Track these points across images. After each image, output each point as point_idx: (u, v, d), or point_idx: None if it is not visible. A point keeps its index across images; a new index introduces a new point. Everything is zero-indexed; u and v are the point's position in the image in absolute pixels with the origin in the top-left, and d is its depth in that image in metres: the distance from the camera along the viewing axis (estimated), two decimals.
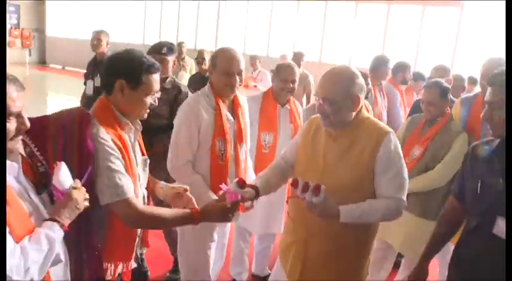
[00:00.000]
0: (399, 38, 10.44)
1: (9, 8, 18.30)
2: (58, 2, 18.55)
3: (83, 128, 1.58)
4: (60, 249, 1.39)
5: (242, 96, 2.63)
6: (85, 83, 4.66)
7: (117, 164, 1.61)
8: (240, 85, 2.42)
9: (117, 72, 1.69)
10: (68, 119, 1.60)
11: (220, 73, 2.36)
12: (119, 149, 1.64)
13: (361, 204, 1.83)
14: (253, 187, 1.94)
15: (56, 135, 1.57)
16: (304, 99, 6.22)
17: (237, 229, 3.25)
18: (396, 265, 3.21)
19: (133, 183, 1.69)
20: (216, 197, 2.10)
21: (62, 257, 1.42)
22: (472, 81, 5.48)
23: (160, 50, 3.00)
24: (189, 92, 3.13)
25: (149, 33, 15.52)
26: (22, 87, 1.33)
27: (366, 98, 3.77)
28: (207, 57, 5.20)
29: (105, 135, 1.61)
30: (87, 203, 1.49)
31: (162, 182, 2.03)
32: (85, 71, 4.71)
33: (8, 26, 18.34)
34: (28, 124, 1.34)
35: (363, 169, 1.86)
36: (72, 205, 1.43)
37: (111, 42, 4.73)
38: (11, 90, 1.28)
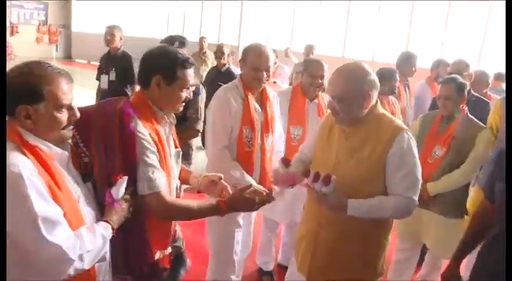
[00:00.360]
0: (424, 33, 10.23)
1: (38, 6, 18.72)
2: None
3: (124, 121, 1.64)
4: (107, 249, 1.49)
5: (271, 90, 2.72)
6: (97, 78, 4.74)
7: (152, 158, 1.67)
8: (267, 80, 2.51)
9: (154, 69, 1.75)
10: (111, 112, 1.66)
11: (249, 68, 2.48)
12: (155, 142, 1.70)
13: (370, 200, 1.83)
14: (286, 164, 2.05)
15: (98, 128, 1.64)
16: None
17: (264, 220, 3.34)
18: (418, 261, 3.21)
19: (167, 175, 1.75)
20: (255, 182, 2.25)
21: (107, 256, 1.52)
22: (499, 77, 5.34)
23: (171, 44, 3.00)
24: (201, 86, 3.19)
25: (173, 28, 15.63)
26: (71, 80, 1.43)
27: (394, 93, 3.79)
28: (226, 52, 5.24)
29: (143, 129, 1.67)
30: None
31: (196, 172, 2.10)
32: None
33: (36, 23, 18.78)
34: (78, 115, 1.45)
35: (374, 166, 1.85)
36: (122, 214, 1.59)
37: (135, 38, 4.83)
38: (63, 83, 1.39)
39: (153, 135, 1.71)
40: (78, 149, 1.60)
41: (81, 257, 1.35)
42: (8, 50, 17.68)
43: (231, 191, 1.95)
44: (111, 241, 1.55)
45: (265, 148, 2.56)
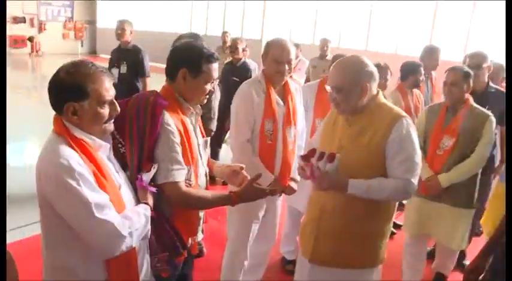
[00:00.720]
0: (448, 27, 10.07)
1: (65, 3, 19.10)
2: None
3: (156, 114, 1.74)
4: (149, 227, 1.61)
5: (293, 83, 2.77)
6: (110, 72, 4.81)
7: (175, 150, 1.76)
8: (289, 73, 2.57)
9: (180, 62, 1.85)
10: (143, 105, 1.77)
11: (271, 61, 2.53)
12: (180, 133, 1.79)
13: (370, 180, 1.90)
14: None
15: (132, 119, 1.75)
16: None
17: (288, 209, 3.40)
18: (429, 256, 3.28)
19: (195, 163, 1.87)
20: (273, 176, 2.43)
21: (149, 234, 1.63)
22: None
23: None
24: (216, 85, 3.20)
25: (196, 23, 15.75)
26: (112, 78, 1.55)
27: (418, 86, 3.87)
28: (241, 47, 5.26)
29: (170, 120, 1.76)
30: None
31: (219, 162, 2.16)
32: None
33: (62, 19, 19.16)
34: (119, 110, 1.56)
35: (374, 151, 1.93)
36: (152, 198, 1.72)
37: (159, 33, 4.91)
38: (106, 81, 1.50)
39: (179, 126, 1.80)
40: (115, 141, 1.72)
41: (131, 234, 1.47)
42: (36, 47, 18.13)
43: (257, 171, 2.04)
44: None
45: (287, 140, 2.60)
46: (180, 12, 16.31)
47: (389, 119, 1.95)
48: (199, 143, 1.97)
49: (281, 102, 2.60)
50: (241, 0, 14.34)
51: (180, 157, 1.78)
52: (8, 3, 17.04)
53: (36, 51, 18.15)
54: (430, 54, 4.43)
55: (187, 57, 1.85)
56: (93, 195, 1.40)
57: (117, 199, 1.51)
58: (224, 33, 7.94)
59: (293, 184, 2.64)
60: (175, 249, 1.82)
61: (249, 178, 2.00)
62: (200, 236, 2.05)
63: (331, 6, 12.23)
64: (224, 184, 4.36)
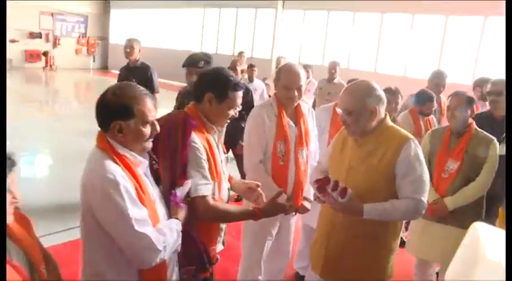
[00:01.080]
0: (457, 49, 10.16)
1: (79, 19, 19.51)
2: (121, 11, 19.60)
3: (186, 133, 1.89)
4: (180, 242, 1.73)
5: (306, 105, 2.87)
6: None
7: (202, 166, 1.90)
8: (299, 99, 2.67)
9: (208, 86, 1.99)
10: (174, 124, 1.92)
11: (281, 87, 2.63)
12: (206, 151, 1.93)
13: (383, 203, 1.98)
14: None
15: (164, 138, 1.87)
16: None
17: (303, 226, 3.51)
18: None
19: (219, 178, 2.00)
20: (286, 196, 2.52)
21: (179, 247, 1.76)
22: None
23: (197, 63, 3.11)
24: None
25: (207, 41, 15.97)
26: (155, 100, 1.69)
27: (429, 115, 4.06)
28: (239, 68, 5.37)
29: (197, 139, 1.91)
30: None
31: (237, 179, 2.34)
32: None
33: (76, 35, 19.54)
34: (158, 129, 1.69)
35: (383, 172, 2.03)
36: (184, 213, 1.83)
37: (170, 50, 5.00)
38: (149, 103, 1.64)
39: (205, 144, 1.94)
40: (150, 157, 1.83)
41: (164, 249, 1.60)
42: (50, 61, 18.45)
43: (265, 199, 2.15)
44: None
45: (299, 162, 2.69)
46: (191, 30, 16.57)
47: (397, 140, 2.05)
48: (222, 159, 2.10)
49: (293, 125, 2.68)
50: (252, 20, 14.55)
51: (206, 173, 1.91)
52: (25, 19, 17.51)
53: (50, 66, 18.47)
54: (437, 78, 4.62)
55: (214, 83, 1.99)
56: (135, 209, 1.52)
57: (153, 213, 1.63)
58: (240, 53, 8.22)
59: (306, 204, 2.71)
60: (202, 264, 1.93)
61: (263, 195, 2.13)
62: (220, 247, 2.16)
63: (341, 28, 12.35)
64: (237, 200, 4.39)
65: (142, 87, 1.68)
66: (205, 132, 1.99)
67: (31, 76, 16.89)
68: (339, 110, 2.13)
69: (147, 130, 1.65)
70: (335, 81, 6.63)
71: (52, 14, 18.71)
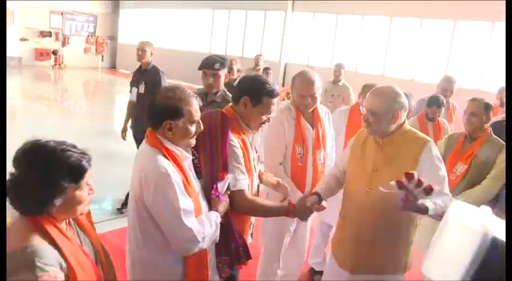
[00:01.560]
0: (465, 54, 10.17)
1: (89, 18, 19.64)
2: (130, 11, 19.72)
3: (225, 132, 2.06)
4: (218, 233, 1.90)
5: (323, 108, 3.02)
6: (130, 90, 4.93)
7: (240, 163, 2.07)
8: (313, 105, 2.81)
9: (245, 91, 2.16)
10: (212, 124, 2.08)
11: (296, 94, 2.81)
12: (241, 149, 2.09)
13: (435, 199, 2.03)
14: (315, 193, 2.38)
15: (204, 136, 2.03)
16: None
17: (319, 223, 3.66)
18: None
19: (251, 175, 2.16)
20: (302, 194, 2.66)
21: (217, 239, 1.92)
22: None
23: (213, 65, 3.17)
24: None
25: (216, 42, 16.02)
26: (199, 101, 1.86)
27: (434, 120, 4.11)
28: (235, 67, 5.35)
29: (234, 139, 2.08)
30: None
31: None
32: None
33: (85, 34, 19.67)
34: (202, 127, 1.87)
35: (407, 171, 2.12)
36: (226, 206, 2.01)
37: (178, 51, 5.00)
38: (195, 104, 1.81)
39: (241, 144, 2.11)
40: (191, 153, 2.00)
41: (203, 239, 1.78)
42: (60, 60, 18.59)
43: (290, 191, 2.45)
44: None
45: (317, 163, 2.84)
46: (200, 32, 16.63)
47: (417, 143, 2.19)
48: (254, 157, 2.25)
49: (310, 128, 2.82)
50: (261, 22, 14.58)
51: (243, 169, 2.07)
52: (36, 18, 17.68)
53: (59, 64, 18.61)
54: (445, 83, 4.73)
55: (251, 88, 2.15)
56: (183, 201, 1.70)
57: (197, 205, 1.81)
58: (258, 56, 8.28)
59: (323, 202, 2.74)
60: (237, 256, 2.08)
61: (288, 188, 2.40)
62: (249, 240, 2.30)
63: (349, 31, 12.34)
64: None
65: (189, 91, 1.85)
66: (241, 132, 2.16)
67: (40, 74, 17.04)
68: (363, 109, 2.20)
69: (193, 128, 1.83)
70: (340, 83, 6.67)
71: (62, 13, 18.85)
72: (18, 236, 1.28)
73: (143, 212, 1.75)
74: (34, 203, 1.30)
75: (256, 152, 2.34)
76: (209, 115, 2.14)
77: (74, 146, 1.40)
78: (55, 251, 1.30)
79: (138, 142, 4.42)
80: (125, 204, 4.59)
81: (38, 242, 1.28)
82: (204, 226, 1.79)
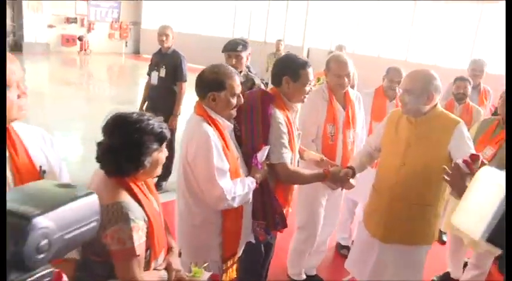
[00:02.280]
0: (491, 38, 9.97)
1: (113, 4, 19.83)
2: None
3: (265, 108, 2.26)
4: (251, 196, 2.14)
5: (354, 92, 3.21)
6: (148, 73, 4.99)
7: (283, 138, 2.29)
8: (348, 85, 2.98)
9: (283, 71, 2.38)
10: (254, 101, 2.29)
11: (332, 75, 2.96)
12: (286, 125, 2.31)
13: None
14: (349, 167, 2.60)
15: (246, 110, 2.25)
16: None
17: (346, 200, 3.80)
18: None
19: (293, 150, 2.37)
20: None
21: (250, 201, 2.17)
22: None
23: (236, 48, 3.34)
24: (261, 84, 3.52)
25: (238, 28, 16.04)
26: (240, 77, 2.08)
27: (463, 100, 4.12)
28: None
29: (279, 115, 2.30)
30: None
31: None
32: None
33: (109, 20, 19.90)
34: (242, 100, 2.10)
35: (439, 150, 2.30)
36: (263, 173, 2.23)
37: (203, 36, 5.00)
38: (237, 79, 2.05)
39: (285, 120, 2.32)
40: (234, 126, 2.23)
41: (233, 199, 2.01)
42: (85, 46, 18.90)
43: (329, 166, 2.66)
44: (254, 194, 2.17)
45: (347, 141, 3.02)
46: (223, 17, 16.69)
47: (449, 123, 2.34)
48: (296, 134, 2.45)
49: (341, 109, 3.00)
50: (283, 7, 14.49)
51: (287, 143, 2.29)
52: (62, 5, 17.96)
53: (85, 50, 18.93)
54: (473, 64, 4.75)
55: (288, 67, 2.37)
56: (219, 161, 1.94)
57: (234, 168, 2.05)
58: (278, 41, 8.64)
59: (352, 180, 2.90)
60: (273, 222, 2.30)
61: (325, 159, 2.68)
62: (290, 210, 2.52)
63: (372, 17, 12.16)
64: None
65: (232, 68, 2.09)
66: (286, 110, 2.37)
67: (67, 60, 17.42)
68: (399, 90, 2.45)
69: (234, 100, 2.08)
70: None
71: (87, 0, 19.09)
72: (109, 193, 1.50)
73: (188, 169, 2.03)
74: (129, 164, 1.53)
75: (298, 130, 2.51)
76: (251, 93, 2.39)
77: (153, 116, 1.62)
78: (140, 208, 1.54)
79: None
80: (159, 180, 4.76)
81: (127, 200, 1.52)
82: (236, 187, 2.02)
